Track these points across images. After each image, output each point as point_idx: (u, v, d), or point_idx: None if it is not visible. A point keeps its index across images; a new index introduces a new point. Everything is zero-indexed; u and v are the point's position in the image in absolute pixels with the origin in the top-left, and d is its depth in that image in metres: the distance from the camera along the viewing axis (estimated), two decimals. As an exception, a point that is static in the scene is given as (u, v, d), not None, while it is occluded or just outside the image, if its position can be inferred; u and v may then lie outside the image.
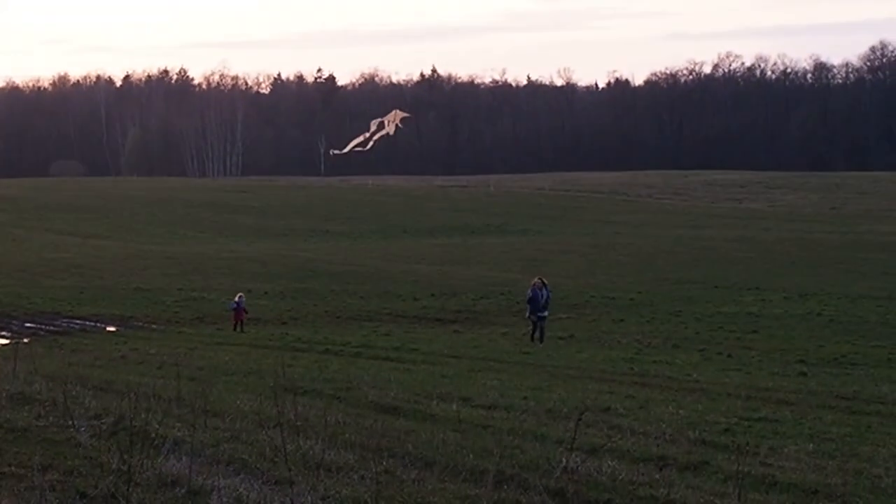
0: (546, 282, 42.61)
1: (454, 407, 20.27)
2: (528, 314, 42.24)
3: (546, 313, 41.93)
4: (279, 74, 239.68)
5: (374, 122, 24.21)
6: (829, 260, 77.75)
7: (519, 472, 12.96)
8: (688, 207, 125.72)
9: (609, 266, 73.01)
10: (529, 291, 42.11)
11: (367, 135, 24.14)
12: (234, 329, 45.59)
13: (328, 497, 11.27)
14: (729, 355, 39.52)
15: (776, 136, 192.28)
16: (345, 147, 23.40)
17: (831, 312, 52.02)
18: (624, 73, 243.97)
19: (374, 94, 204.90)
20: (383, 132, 23.32)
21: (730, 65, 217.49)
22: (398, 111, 23.12)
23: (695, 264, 74.57)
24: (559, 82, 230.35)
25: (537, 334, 41.34)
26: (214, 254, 77.52)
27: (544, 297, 41.46)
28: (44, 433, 14.51)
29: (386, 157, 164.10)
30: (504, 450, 14.12)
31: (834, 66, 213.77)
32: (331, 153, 22.61)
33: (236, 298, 46.53)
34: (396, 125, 23.47)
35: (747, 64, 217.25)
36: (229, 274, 64.69)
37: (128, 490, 10.23)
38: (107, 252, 77.50)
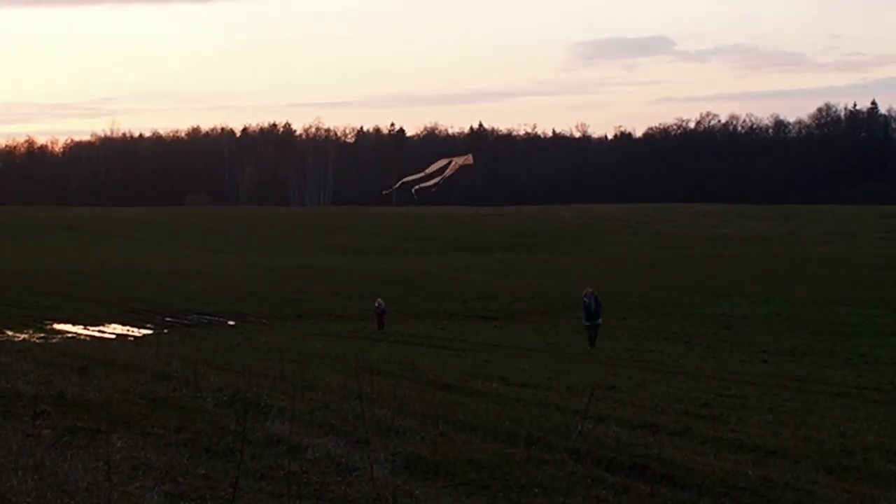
0: (595, 292, 37.24)
1: (494, 385, 20.23)
2: (583, 321, 37.48)
3: (599, 321, 36.78)
4: (362, 127, 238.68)
5: (443, 159, 23.21)
6: (785, 273, 77.08)
7: (544, 436, 12.90)
8: (676, 232, 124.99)
9: (614, 276, 72.74)
10: (585, 299, 37.03)
11: (432, 171, 23.14)
12: (379, 328, 41.60)
13: (397, 453, 11.25)
14: (707, 346, 39.29)
15: (745, 177, 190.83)
16: (422, 183, 22.47)
17: (786, 314, 51.60)
18: (627, 128, 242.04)
19: (434, 144, 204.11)
20: (446, 173, 22.49)
21: (709, 122, 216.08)
22: (470, 156, 22.30)
23: (681, 276, 74.12)
24: (577, 134, 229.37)
25: (592, 339, 36.31)
26: (310, 265, 77.71)
27: (594, 305, 36.63)
28: (178, 402, 14.57)
29: (443, 191, 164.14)
30: (533, 418, 14.06)
31: (790, 123, 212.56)
32: (414, 195, 21.50)
33: (376, 303, 43.27)
34: (459, 166, 22.65)
35: (722, 121, 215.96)
36: (322, 281, 64.82)
37: (242, 446, 10.26)
38: (227, 263, 77.87)
